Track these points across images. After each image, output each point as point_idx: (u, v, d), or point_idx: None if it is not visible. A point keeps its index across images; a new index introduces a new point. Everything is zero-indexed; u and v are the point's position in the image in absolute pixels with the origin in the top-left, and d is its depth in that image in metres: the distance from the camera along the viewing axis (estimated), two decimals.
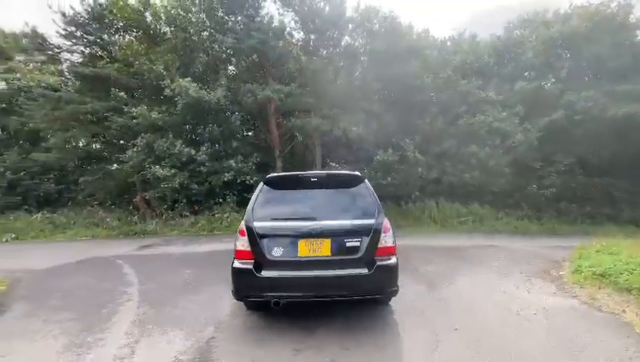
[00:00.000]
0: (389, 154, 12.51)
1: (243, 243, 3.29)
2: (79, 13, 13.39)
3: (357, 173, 3.77)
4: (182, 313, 4.06)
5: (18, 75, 15.12)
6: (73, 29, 13.64)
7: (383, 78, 13.54)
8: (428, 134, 13.59)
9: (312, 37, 13.96)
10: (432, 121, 13.64)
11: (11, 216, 12.57)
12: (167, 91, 11.34)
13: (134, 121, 11.48)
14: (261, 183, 3.68)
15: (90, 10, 13.29)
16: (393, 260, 3.31)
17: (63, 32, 13.53)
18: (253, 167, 12.27)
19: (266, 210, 3.43)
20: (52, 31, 13.54)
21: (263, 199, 3.52)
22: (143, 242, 9.52)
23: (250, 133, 14.77)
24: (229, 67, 14.28)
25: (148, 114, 11.31)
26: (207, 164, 11.75)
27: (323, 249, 3.20)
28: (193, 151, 11.51)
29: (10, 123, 14.37)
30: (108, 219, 11.88)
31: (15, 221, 12.10)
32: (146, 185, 12.49)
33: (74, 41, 13.97)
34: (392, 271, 3.30)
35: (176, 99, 11.30)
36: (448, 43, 16.23)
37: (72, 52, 13.81)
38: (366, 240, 3.23)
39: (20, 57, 15.52)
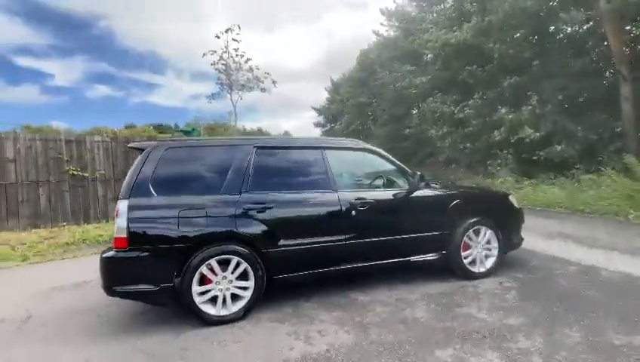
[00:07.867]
0: None
1: None
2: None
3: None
4: None
5: None
6: (392, 20, 16.11)
7: None
8: None
9: None
10: None
11: None
12: (424, 51, 10.55)
13: (410, 90, 11.86)
14: None
15: None
16: None
17: (386, 25, 16.50)
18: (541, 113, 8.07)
19: None
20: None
21: None
22: None
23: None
24: None
25: (416, 81, 11.23)
26: (473, 121, 9.57)
27: None
28: (454, 109, 9.85)
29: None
30: None
31: None
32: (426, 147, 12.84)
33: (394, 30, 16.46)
34: None
35: (430, 55, 10.22)
36: None
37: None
38: None
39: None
